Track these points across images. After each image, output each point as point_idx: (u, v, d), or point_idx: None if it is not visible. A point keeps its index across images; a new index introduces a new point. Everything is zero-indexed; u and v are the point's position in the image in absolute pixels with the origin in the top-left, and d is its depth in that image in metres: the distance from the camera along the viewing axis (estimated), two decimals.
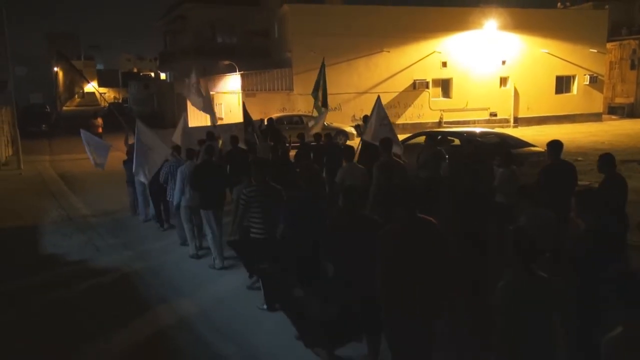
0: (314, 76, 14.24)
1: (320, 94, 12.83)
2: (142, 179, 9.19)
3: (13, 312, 6.56)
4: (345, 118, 25.86)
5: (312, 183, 5.86)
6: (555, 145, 6.78)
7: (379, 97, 10.08)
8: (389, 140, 7.69)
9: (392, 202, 4.43)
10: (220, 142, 11.86)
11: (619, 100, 34.75)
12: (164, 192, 9.03)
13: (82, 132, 11.83)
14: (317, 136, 11.05)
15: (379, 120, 9.46)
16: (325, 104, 12.80)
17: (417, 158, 8.66)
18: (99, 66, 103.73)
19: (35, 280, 7.68)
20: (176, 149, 9.43)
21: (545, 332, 3.24)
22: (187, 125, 11.89)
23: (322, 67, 13.06)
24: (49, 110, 38.35)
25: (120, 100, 65.79)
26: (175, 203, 8.34)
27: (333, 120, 23.57)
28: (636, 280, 2.69)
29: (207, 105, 12.93)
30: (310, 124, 13.19)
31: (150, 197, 9.92)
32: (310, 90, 13.77)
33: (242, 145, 10.90)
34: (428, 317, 3.92)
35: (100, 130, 22.01)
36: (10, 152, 21.19)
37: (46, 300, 6.89)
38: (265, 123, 12.92)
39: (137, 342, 5.74)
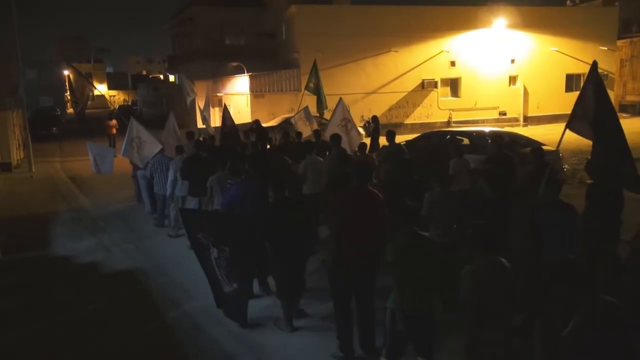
0: (322, 76, 14.65)
1: (323, 97, 13.93)
2: (135, 160, 10.60)
3: (24, 315, 6.60)
4: (353, 118, 25.80)
5: (262, 173, 7.07)
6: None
7: (340, 99, 11.70)
8: (338, 136, 9.26)
9: (347, 179, 5.42)
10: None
11: (630, 98, 34.40)
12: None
13: (88, 144, 12.21)
14: (317, 132, 11.71)
15: (337, 122, 11.20)
16: (325, 105, 13.80)
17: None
18: (109, 69, 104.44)
19: (48, 282, 7.72)
20: (179, 148, 9.98)
21: (424, 278, 4.24)
22: (175, 124, 12.99)
23: (315, 68, 13.91)
24: (59, 113, 38.61)
25: (129, 103, 66.20)
26: (168, 193, 9.48)
27: None
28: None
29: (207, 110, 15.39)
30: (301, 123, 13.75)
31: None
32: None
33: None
34: (367, 257, 4.91)
35: (114, 131, 22.43)
36: (22, 155, 21.38)
37: (57, 302, 6.93)
38: (254, 125, 14.29)
39: (148, 344, 5.76)
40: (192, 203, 8.89)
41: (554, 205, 5.20)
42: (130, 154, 10.73)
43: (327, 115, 15.19)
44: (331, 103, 25.97)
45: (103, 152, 12.20)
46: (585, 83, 6.54)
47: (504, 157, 8.22)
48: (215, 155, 9.39)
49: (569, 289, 3.00)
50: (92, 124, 27.05)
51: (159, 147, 10.38)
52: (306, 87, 14.46)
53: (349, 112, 11.82)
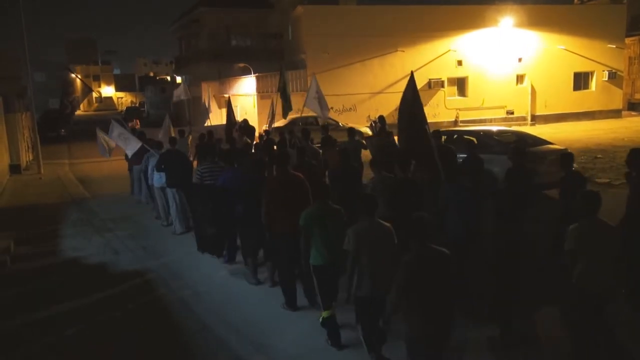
0: (328, 77, 15.32)
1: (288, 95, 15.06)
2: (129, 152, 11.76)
3: (33, 317, 6.64)
4: (360, 118, 25.81)
5: (242, 164, 8.32)
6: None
7: (314, 75, 13.65)
8: (307, 130, 10.87)
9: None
10: (190, 138, 14.88)
11: (639, 96, 34.15)
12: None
13: (113, 121, 12.21)
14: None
15: (313, 94, 13.01)
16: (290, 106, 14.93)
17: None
18: (116, 70, 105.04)
19: (57, 284, 7.78)
20: (158, 143, 11.45)
21: (383, 261, 4.67)
22: (170, 124, 14.76)
23: (282, 72, 15.26)
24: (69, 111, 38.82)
25: (137, 104, 66.57)
26: (149, 184, 11.14)
27: (348, 120, 23.55)
28: None
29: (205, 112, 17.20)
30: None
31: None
32: (326, 91, 14.61)
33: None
34: (294, 234, 5.69)
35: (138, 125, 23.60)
36: (31, 157, 21.54)
37: (67, 302, 6.97)
38: (242, 124, 16.05)
39: (157, 346, 5.79)
40: (170, 194, 10.00)
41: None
42: (124, 144, 11.82)
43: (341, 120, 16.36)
44: (337, 103, 26.16)
45: (129, 137, 11.91)
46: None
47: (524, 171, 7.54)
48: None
49: (415, 239, 3.96)
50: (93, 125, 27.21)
51: (139, 143, 11.47)
52: (278, 89, 15.43)
53: (319, 86, 13.44)
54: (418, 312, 3.95)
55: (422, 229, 3.99)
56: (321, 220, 5.32)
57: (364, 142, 11.78)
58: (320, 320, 5.45)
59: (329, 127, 13.09)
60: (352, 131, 11.36)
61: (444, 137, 12.92)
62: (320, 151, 10.10)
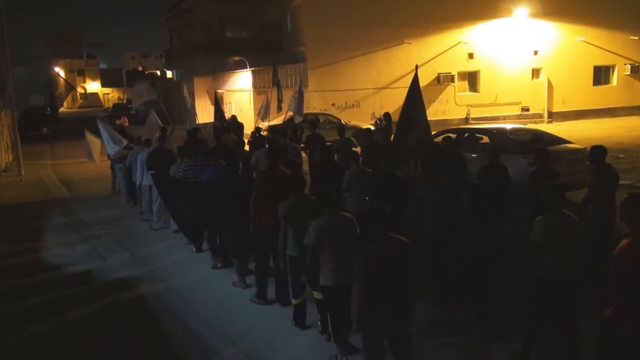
0: (329, 71, 15.69)
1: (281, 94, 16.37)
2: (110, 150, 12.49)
3: (13, 333, 6.65)
4: (364, 116, 25.81)
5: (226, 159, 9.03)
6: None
7: (301, 79, 15.22)
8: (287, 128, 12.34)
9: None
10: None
11: None
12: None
13: (99, 121, 13.38)
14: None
15: (295, 94, 14.10)
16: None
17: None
18: (102, 65, 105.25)
19: (39, 294, 7.79)
20: (147, 141, 11.67)
21: (348, 251, 5.18)
22: (152, 120, 15.22)
23: (275, 70, 16.66)
24: (49, 112, 38.99)
25: (125, 101, 66.60)
26: (137, 183, 11.32)
27: (351, 118, 23.58)
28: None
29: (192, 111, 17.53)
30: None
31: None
32: (327, 86, 14.96)
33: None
34: (275, 225, 6.11)
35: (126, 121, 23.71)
36: (11, 158, 21.57)
37: (48, 314, 6.99)
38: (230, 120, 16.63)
39: (147, 357, 5.82)
40: (156, 191, 10.17)
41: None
42: (111, 151, 12.52)
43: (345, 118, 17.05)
44: (339, 99, 26.22)
45: (113, 137, 13.01)
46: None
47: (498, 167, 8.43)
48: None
49: (375, 228, 4.47)
50: (76, 123, 27.39)
51: (124, 143, 11.97)
52: (273, 83, 16.70)
53: (301, 87, 14.81)
54: (377, 299, 4.39)
55: (382, 219, 4.49)
56: (298, 212, 5.84)
57: (353, 139, 12.44)
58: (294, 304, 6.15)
59: (317, 125, 13.72)
60: (342, 129, 11.84)
61: (453, 136, 13.03)
62: (302, 150, 11.00)
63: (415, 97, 8.77)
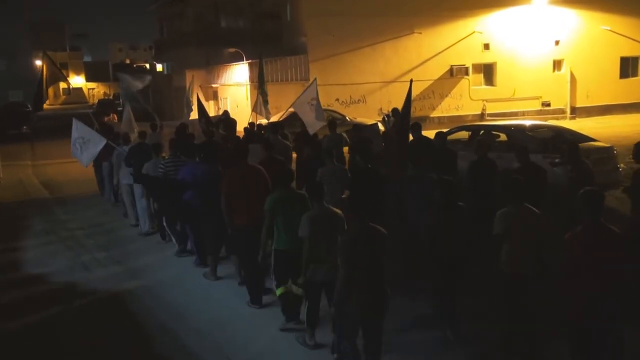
0: (332, 63, 15.78)
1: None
2: (83, 163, 12.03)
3: None
4: (371, 112, 25.79)
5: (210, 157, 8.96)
6: None
7: (315, 79, 14.21)
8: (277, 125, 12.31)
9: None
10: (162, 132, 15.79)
11: None
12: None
13: (75, 120, 12.20)
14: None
15: (307, 99, 13.40)
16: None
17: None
18: (87, 58, 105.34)
19: (18, 309, 7.78)
20: (124, 137, 12.16)
21: (334, 245, 5.45)
22: (131, 115, 16.25)
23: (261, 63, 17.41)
24: (30, 109, 39.01)
25: (111, 97, 66.70)
26: (115, 182, 12.04)
27: (357, 114, 23.56)
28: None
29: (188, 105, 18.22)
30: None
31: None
32: (330, 80, 15.01)
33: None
34: (257, 219, 6.49)
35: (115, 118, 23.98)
36: None
37: (32, 327, 6.98)
38: (222, 117, 17.50)
39: None
40: (138, 190, 10.67)
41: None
42: (76, 154, 12.00)
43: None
44: (343, 94, 26.19)
45: (92, 138, 11.94)
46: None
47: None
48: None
49: (353, 215, 5.10)
50: (59, 121, 27.42)
51: (103, 141, 11.65)
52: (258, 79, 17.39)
53: (317, 93, 13.86)
54: (355, 285, 4.86)
55: (359, 205, 5.06)
56: (285, 204, 6.20)
57: (345, 135, 12.73)
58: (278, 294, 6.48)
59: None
60: (333, 124, 12.22)
61: (468, 133, 12.98)
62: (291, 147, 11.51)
63: (406, 107, 9.20)
